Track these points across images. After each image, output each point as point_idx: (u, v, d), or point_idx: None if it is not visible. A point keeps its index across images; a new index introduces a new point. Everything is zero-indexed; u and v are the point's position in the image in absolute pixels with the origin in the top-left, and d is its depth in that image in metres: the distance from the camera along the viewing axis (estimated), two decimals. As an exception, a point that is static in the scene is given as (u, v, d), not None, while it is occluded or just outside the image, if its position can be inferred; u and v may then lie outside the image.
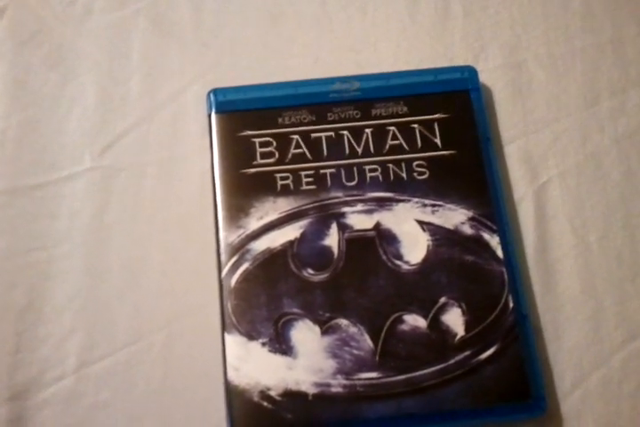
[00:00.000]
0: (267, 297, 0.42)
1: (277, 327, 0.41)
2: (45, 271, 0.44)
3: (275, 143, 0.45)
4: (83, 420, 0.41)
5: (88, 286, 0.44)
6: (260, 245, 0.43)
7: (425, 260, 0.42)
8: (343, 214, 0.43)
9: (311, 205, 0.44)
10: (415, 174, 0.44)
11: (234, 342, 0.41)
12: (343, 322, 0.41)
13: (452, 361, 0.40)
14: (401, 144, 0.45)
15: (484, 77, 0.48)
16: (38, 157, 0.47)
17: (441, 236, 0.43)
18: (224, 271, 0.42)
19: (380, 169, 0.44)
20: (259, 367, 0.40)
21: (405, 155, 0.45)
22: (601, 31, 0.49)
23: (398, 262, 0.42)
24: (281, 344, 0.41)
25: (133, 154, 0.47)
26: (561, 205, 0.45)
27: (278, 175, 0.44)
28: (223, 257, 0.43)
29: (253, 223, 0.43)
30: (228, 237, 0.43)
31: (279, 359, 0.40)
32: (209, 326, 0.42)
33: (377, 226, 0.43)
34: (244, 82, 0.47)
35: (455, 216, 0.43)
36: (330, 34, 0.50)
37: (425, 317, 0.41)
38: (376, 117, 0.46)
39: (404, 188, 0.44)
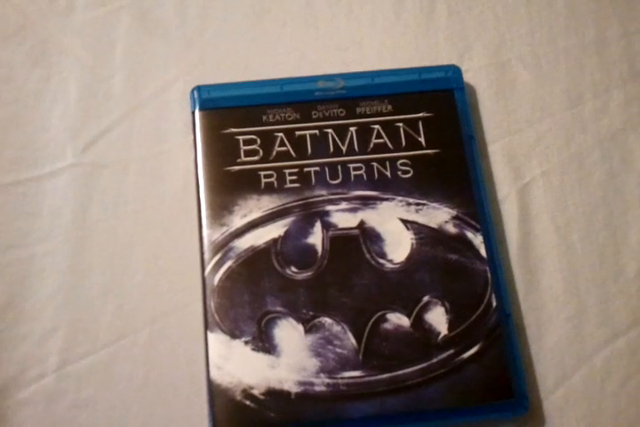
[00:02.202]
0: (250, 295, 0.42)
1: (260, 326, 0.41)
2: (26, 269, 0.44)
3: (259, 141, 0.45)
4: (64, 419, 0.41)
5: (70, 283, 0.43)
6: (244, 243, 0.43)
7: (408, 258, 0.42)
8: (327, 213, 0.43)
9: (295, 204, 0.44)
10: (399, 173, 0.44)
11: (216, 340, 0.41)
12: (327, 321, 0.41)
13: (435, 360, 0.40)
14: (385, 143, 0.45)
15: (468, 77, 0.48)
16: (20, 154, 0.46)
17: (425, 234, 0.43)
18: (207, 269, 0.42)
19: (364, 167, 0.44)
20: (241, 366, 0.40)
21: (390, 153, 0.45)
22: (585, 32, 0.50)
23: (382, 261, 0.42)
24: (264, 343, 0.41)
25: (116, 151, 0.46)
26: (544, 204, 0.45)
27: (262, 173, 0.44)
28: (206, 255, 0.42)
29: (237, 221, 0.43)
30: (211, 234, 0.43)
31: (262, 358, 0.40)
32: (192, 325, 0.42)
33: (361, 224, 0.43)
34: (229, 79, 0.47)
35: (439, 215, 0.43)
36: (315, 32, 0.50)
37: (408, 315, 0.41)
38: (361, 116, 0.45)
39: (388, 186, 0.44)
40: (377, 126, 0.45)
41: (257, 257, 0.42)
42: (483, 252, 0.42)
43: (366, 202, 0.44)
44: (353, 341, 0.41)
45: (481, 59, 0.49)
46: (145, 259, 0.44)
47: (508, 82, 0.48)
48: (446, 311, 0.41)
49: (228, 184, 0.44)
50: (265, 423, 0.39)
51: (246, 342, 0.41)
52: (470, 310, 0.41)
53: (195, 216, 0.44)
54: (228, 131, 0.45)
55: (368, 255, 0.42)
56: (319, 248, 0.43)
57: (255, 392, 0.40)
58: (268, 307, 0.41)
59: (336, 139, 0.45)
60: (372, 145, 0.45)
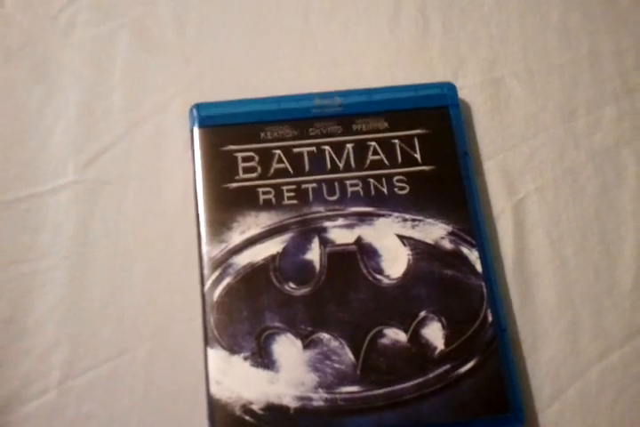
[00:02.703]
0: (249, 311, 0.42)
1: (259, 341, 0.41)
2: (28, 284, 0.44)
3: (257, 158, 0.45)
4: (65, 433, 0.41)
5: (71, 299, 0.44)
6: (243, 260, 0.43)
7: (405, 274, 0.43)
8: (325, 229, 0.44)
9: (293, 220, 0.44)
10: (396, 189, 0.45)
11: (216, 355, 0.41)
12: (325, 336, 0.41)
13: (431, 375, 0.40)
14: (381, 159, 0.45)
15: (463, 93, 0.48)
16: (22, 170, 0.47)
17: (421, 250, 0.43)
18: (206, 285, 0.43)
19: (360, 184, 0.45)
20: (241, 381, 0.41)
21: (386, 170, 0.45)
22: (578, 48, 0.50)
23: (379, 277, 0.43)
24: (263, 358, 0.41)
25: (117, 168, 0.47)
26: (539, 219, 0.46)
27: (260, 190, 0.45)
28: (206, 271, 0.43)
29: (236, 238, 0.44)
30: (210, 251, 0.43)
31: (261, 373, 0.41)
32: (191, 340, 0.42)
33: (358, 240, 0.44)
34: (227, 97, 0.48)
35: (435, 231, 0.44)
36: (312, 49, 0.50)
37: (405, 331, 0.41)
38: (357, 133, 0.46)
39: (384, 202, 0.44)
40: (373, 143, 0.46)
41: (255, 273, 0.43)
42: (478, 267, 0.43)
43: (363, 218, 0.44)
44: (351, 356, 0.41)
45: (475, 75, 0.49)
46: (145, 275, 0.44)
47: (503, 98, 0.49)
48: (443, 326, 0.42)
49: (227, 201, 0.44)
50: (264, 438, 0.40)
51: (245, 358, 0.41)
52: (466, 324, 0.42)
53: (194, 232, 0.44)
54: (227, 148, 0.46)
55: (365, 271, 0.43)
56: (317, 264, 0.43)
57: (254, 407, 0.40)
58: (266, 323, 0.42)
59: (333, 155, 0.46)
60: (368, 162, 0.45)
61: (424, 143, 0.46)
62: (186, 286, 0.44)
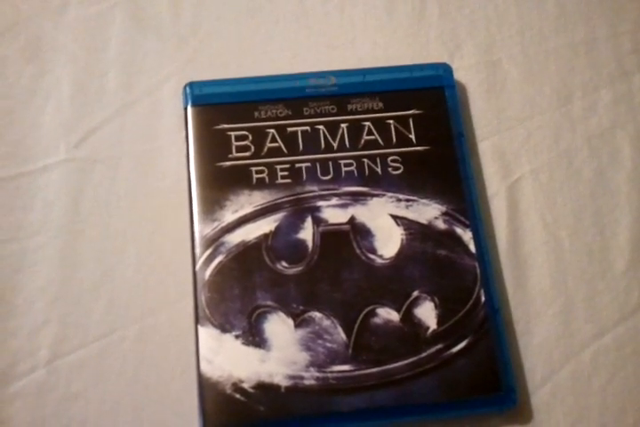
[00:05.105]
0: (241, 290, 0.42)
1: (251, 320, 0.41)
2: (18, 263, 0.44)
3: (250, 137, 0.45)
4: (54, 413, 0.41)
5: (61, 278, 0.43)
6: (235, 238, 0.43)
7: (398, 254, 0.42)
8: (318, 208, 0.44)
9: (286, 199, 0.44)
10: (390, 169, 0.44)
11: (207, 334, 0.41)
12: (317, 315, 0.41)
13: (424, 354, 0.40)
14: (376, 139, 0.45)
15: (459, 75, 0.48)
16: (13, 149, 0.47)
17: (414, 230, 0.43)
18: (198, 264, 0.42)
19: (355, 164, 0.45)
20: (232, 360, 0.40)
21: (380, 150, 0.45)
22: (574, 32, 0.50)
23: (372, 256, 0.42)
24: (254, 337, 0.41)
25: (109, 146, 0.47)
26: (533, 201, 0.45)
27: (254, 169, 0.44)
28: (197, 250, 0.43)
29: (228, 216, 0.43)
30: (202, 229, 0.43)
31: (252, 352, 0.40)
32: (183, 319, 0.42)
33: (351, 220, 0.43)
34: (222, 76, 0.47)
35: (429, 211, 0.44)
36: (307, 30, 0.50)
37: (398, 310, 0.41)
38: (352, 113, 0.46)
39: (378, 182, 0.44)
40: (368, 123, 0.46)
41: (248, 252, 0.43)
42: (472, 247, 0.43)
43: (357, 198, 0.44)
44: (343, 335, 0.41)
45: (472, 57, 0.49)
46: (136, 253, 0.44)
47: (499, 80, 0.49)
48: (435, 306, 0.41)
49: (220, 179, 0.44)
50: (255, 417, 0.39)
51: (237, 336, 0.41)
52: (459, 304, 0.41)
53: (186, 211, 0.44)
54: (220, 127, 0.45)
55: (358, 251, 0.43)
56: (310, 243, 0.43)
57: (245, 386, 0.40)
58: (258, 301, 0.41)
59: (327, 135, 0.45)
60: (362, 141, 0.45)
61: (419, 124, 0.46)
62: (177, 265, 0.43)
